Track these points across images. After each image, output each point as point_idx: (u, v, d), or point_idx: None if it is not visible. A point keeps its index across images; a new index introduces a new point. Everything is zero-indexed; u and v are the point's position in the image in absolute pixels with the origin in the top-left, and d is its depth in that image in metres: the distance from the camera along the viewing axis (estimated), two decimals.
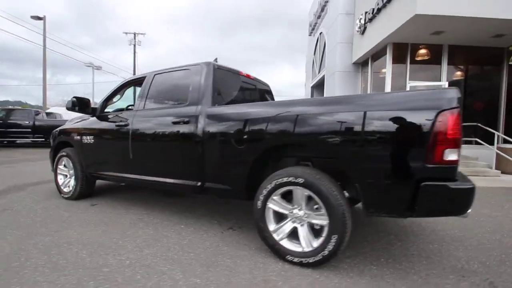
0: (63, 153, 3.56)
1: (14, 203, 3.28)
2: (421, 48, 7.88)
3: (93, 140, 3.25)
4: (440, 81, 7.86)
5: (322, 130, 1.81)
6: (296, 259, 1.86)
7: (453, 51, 7.80)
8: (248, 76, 3.17)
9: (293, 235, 1.94)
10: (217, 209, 3.18)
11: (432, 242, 2.36)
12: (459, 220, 2.85)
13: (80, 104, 3.21)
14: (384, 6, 7.32)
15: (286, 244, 1.93)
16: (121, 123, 2.98)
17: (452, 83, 7.89)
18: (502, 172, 6.55)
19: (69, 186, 3.50)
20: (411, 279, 1.76)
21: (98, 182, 3.70)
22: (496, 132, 7.06)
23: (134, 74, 26.09)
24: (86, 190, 3.48)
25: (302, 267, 1.86)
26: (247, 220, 2.80)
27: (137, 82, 3.32)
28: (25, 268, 1.79)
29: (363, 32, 8.78)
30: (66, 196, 3.49)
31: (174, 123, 2.54)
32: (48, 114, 13.04)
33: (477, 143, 7.34)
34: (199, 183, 2.43)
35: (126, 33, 28.20)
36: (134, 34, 28.09)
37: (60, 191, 3.58)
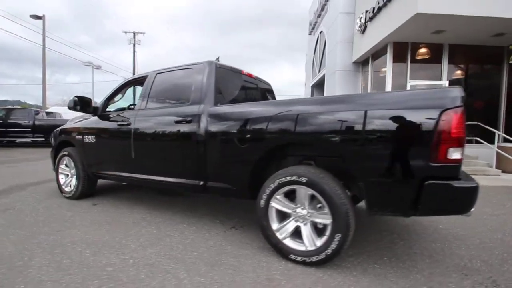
0: (65, 153, 3.56)
1: (16, 203, 3.28)
2: (421, 47, 7.88)
3: (94, 140, 3.25)
4: (440, 80, 7.86)
5: (325, 129, 1.81)
6: (299, 258, 1.87)
7: (454, 50, 7.81)
8: (249, 75, 3.17)
9: (296, 234, 1.95)
10: (219, 208, 3.19)
11: (434, 241, 2.36)
12: (461, 219, 2.86)
13: (81, 104, 3.21)
14: (384, 5, 7.31)
15: (289, 243, 1.94)
16: (123, 123, 2.98)
17: (452, 82, 7.90)
18: (503, 171, 6.57)
19: (70, 186, 3.50)
20: (414, 277, 1.76)
21: (99, 181, 3.70)
22: (496, 131, 7.08)
23: (134, 73, 26.06)
24: (87, 190, 3.48)
25: (306, 266, 1.86)
26: (249, 219, 2.80)
27: (138, 81, 3.32)
28: (29, 268, 1.79)
29: (363, 31, 8.77)
30: (67, 195, 3.49)
31: (177, 122, 2.54)
32: (48, 113, 13.01)
33: (477, 142, 7.35)
34: (201, 182, 2.43)
35: (126, 32, 28.17)
36: (134, 33, 28.04)
37: (61, 190, 3.58)
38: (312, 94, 14.65)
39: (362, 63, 9.76)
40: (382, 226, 2.70)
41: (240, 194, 2.30)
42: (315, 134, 1.86)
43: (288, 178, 1.89)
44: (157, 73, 2.99)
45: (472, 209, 1.56)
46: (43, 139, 10.88)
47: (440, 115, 1.51)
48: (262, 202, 2.01)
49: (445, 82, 7.80)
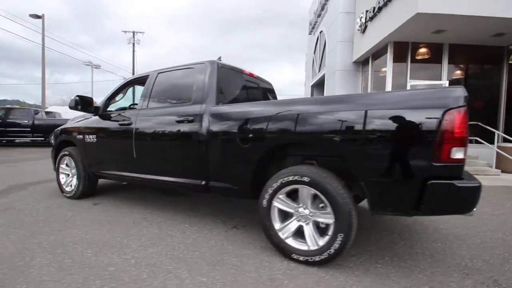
0: (65, 152, 3.55)
1: (16, 202, 3.27)
2: (421, 47, 7.89)
3: (95, 139, 3.24)
4: (440, 80, 7.87)
5: (325, 128, 1.81)
6: (301, 258, 1.87)
7: (454, 50, 7.82)
8: (251, 75, 3.17)
9: (299, 233, 1.94)
10: (220, 208, 3.19)
11: (435, 241, 2.37)
12: (461, 219, 2.87)
13: (83, 103, 3.20)
14: (385, 4, 7.32)
15: (292, 242, 1.94)
16: (124, 122, 2.97)
17: (452, 82, 7.91)
18: (502, 171, 6.59)
19: (71, 185, 3.49)
20: (416, 277, 1.76)
21: (100, 181, 3.69)
22: (496, 131, 7.09)
23: (133, 73, 26.02)
24: (88, 189, 3.47)
25: (308, 265, 1.86)
26: (251, 219, 2.80)
27: (140, 81, 3.31)
28: (30, 268, 1.78)
29: (363, 31, 8.77)
30: (68, 195, 3.48)
31: (178, 122, 2.54)
32: (47, 113, 12.99)
33: (477, 142, 7.37)
34: (203, 182, 2.43)
35: (125, 31, 28.13)
36: (133, 32, 28.01)
37: (62, 190, 3.57)
38: (312, 94, 14.66)
39: (362, 62, 9.77)
40: (383, 225, 2.70)
41: (242, 194, 2.30)
42: (315, 134, 1.86)
43: (290, 178, 1.89)
44: (159, 73, 2.98)
45: (475, 209, 1.57)
46: (43, 138, 10.86)
47: (443, 115, 1.51)
48: (264, 202, 2.01)
49: (445, 82, 7.81)
